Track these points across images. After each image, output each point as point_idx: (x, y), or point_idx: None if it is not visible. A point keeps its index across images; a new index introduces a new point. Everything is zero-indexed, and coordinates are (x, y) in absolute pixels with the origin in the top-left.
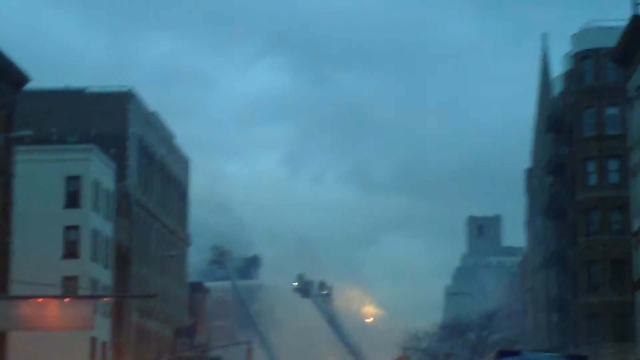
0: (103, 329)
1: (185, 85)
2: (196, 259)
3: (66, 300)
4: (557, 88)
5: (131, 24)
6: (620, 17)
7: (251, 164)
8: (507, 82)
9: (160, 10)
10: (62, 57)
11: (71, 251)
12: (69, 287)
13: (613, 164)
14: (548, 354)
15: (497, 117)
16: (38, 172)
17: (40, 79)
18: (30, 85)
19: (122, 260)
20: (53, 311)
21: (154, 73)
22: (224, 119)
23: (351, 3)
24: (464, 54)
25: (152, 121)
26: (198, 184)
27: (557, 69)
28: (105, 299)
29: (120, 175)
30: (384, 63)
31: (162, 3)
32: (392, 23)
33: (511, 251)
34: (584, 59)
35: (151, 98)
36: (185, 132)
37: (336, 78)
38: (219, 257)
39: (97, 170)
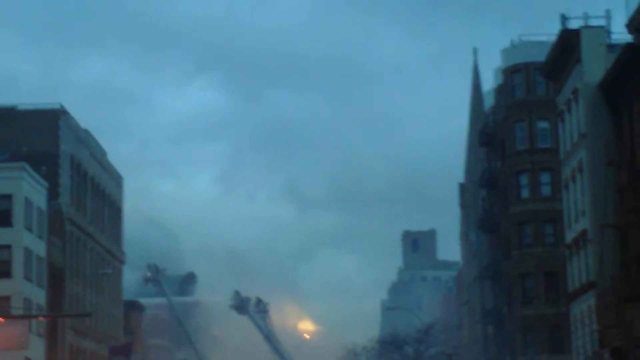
0: (37, 349)
1: (120, 105)
2: (131, 277)
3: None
4: (488, 102)
5: (64, 44)
6: (549, 32)
7: (186, 183)
8: (440, 99)
9: (94, 31)
10: None
11: (3, 270)
12: (2, 307)
13: (545, 177)
14: None
15: (431, 133)
16: None
17: None
18: None
19: (56, 279)
20: None
21: (88, 93)
22: (158, 139)
23: (283, 22)
24: (396, 72)
25: (84, 139)
26: (132, 203)
27: (489, 83)
28: (39, 319)
29: (53, 194)
30: (317, 81)
31: (96, 24)
32: (324, 41)
33: (447, 265)
34: (514, 73)
35: (86, 118)
36: (120, 152)
37: (269, 96)
38: (154, 275)
39: (29, 188)
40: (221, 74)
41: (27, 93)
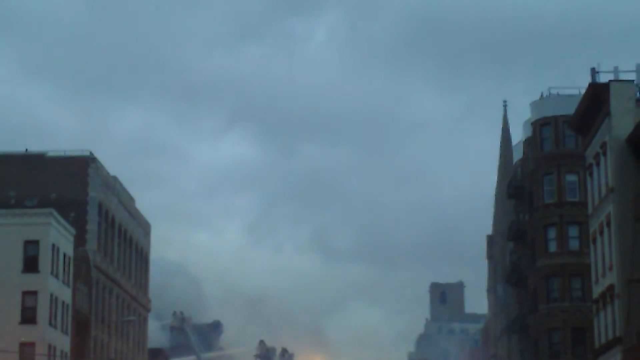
0: None
1: (155, 157)
2: (156, 323)
3: None
4: (517, 155)
5: (102, 98)
6: (579, 85)
7: (216, 233)
8: (469, 153)
9: (132, 85)
10: (34, 130)
11: (29, 317)
12: (26, 354)
13: (573, 231)
14: None
15: (459, 186)
16: None
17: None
18: None
19: (81, 326)
20: None
21: (125, 145)
22: (192, 190)
23: (317, 77)
24: (425, 127)
25: (112, 186)
26: (160, 252)
27: (518, 136)
28: None
29: (80, 240)
30: (348, 135)
31: (133, 78)
32: (355, 97)
33: (474, 318)
34: (543, 126)
35: (121, 169)
36: (153, 202)
37: (301, 149)
38: (180, 323)
39: (56, 234)
40: (254, 127)
41: (65, 145)
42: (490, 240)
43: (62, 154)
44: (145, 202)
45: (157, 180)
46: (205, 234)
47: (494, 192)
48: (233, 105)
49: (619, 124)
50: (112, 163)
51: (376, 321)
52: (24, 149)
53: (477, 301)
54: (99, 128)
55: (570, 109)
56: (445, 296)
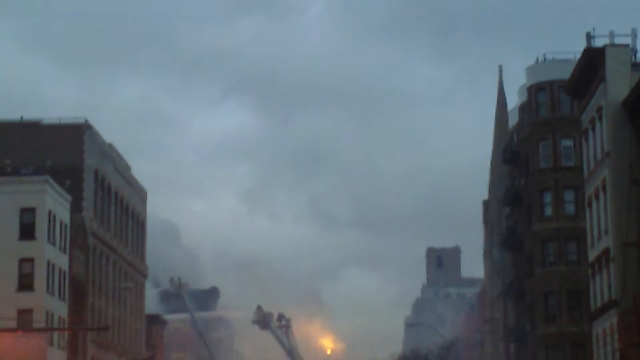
0: None
1: (152, 127)
2: (152, 290)
3: (18, 332)
4: (512, 120)
5: (100, 69)
6: (574, 50)
7: (213, 202)
8: (464, 120)
9: (129, 57)
10: (31, 100)
11: (26, 283)
12: (24, 320)
13: (569, 195)
14: None
15: (455, 152)
16: None
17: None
18: None
19: (78, 293)
20: (6, 344)
21: (123, 116)
22: (188, 159)
23: (311, 47)
24: (423, 94)
25: (108, 153)
26: (157, 220)
27: (513, 102)
28: (57, 332)
29: (76, 207)
30: (344, 104)
31: (130, 49)
32: (351, 66)
33: (470, 282)
34: (539, 91)
35: (119, 139)
36: (151, 172)
37: (297, 119)
38: (177, 289)
39: (53, 202)
40: (251, 97)
41: (62, 115)
42: (486, 205)
43: (57, 121)
44: (142, 172)
45: (154, 150)
46: (202, 202)
47: (490, 158)
48: (230, 75)
49: (615, 89)
50: (109, 133)
51: (373, 287)
52: (19, 117)
53: (473, 266)
54: (97, 98)
55: (565, 73)
56: (441, 261)
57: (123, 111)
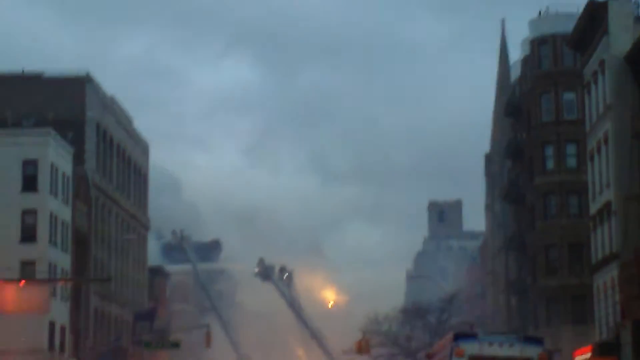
0: (62, 313)
1: (155, 81)
2: (155, 243)
3: (21, 283)
4: (515, 74)
5: (102, 23)
6: (577, 3)
7: (215, 155)
8: (467, 74)
9: (131, 9)
10: (35, 53)
11: (29, 235)
12: (27, 271)
13: (571, 149)
14: (504, 336)
15: (457, 106)
16: None
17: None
18: None
19: (80, 245)
20: (8, 294)
21: (125, 69)
22: (191, 113)
23: (316, 2)
24: (426, 48)
25: (110, 106)
26: (160, 172)
27: (516, 55)
28: (60, 283)
29: (78, 160)
30: (345, 58)
31: (133, 3)
32: (353, 20)
33: (472, 235)
34: (541, 45)
35: (120, 93)
36: (153, 125)
37: (298, 73)
38: (179, 241)
39: (55, 154)
40: (253, 51)
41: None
42: (488, 158)
43: (59, 74)
44: (144, 125)
45: (156, 103)
46: (204, 156)
47: (492, 111)
48: (233, 29)
49: (617, 42)
50: (111, 86)
51: (375, 240)
52: (21, 70)
53: (475, 219)
54: (99, 51)
55: (568, 27)
56: (443, 214)
57: (125, 64)
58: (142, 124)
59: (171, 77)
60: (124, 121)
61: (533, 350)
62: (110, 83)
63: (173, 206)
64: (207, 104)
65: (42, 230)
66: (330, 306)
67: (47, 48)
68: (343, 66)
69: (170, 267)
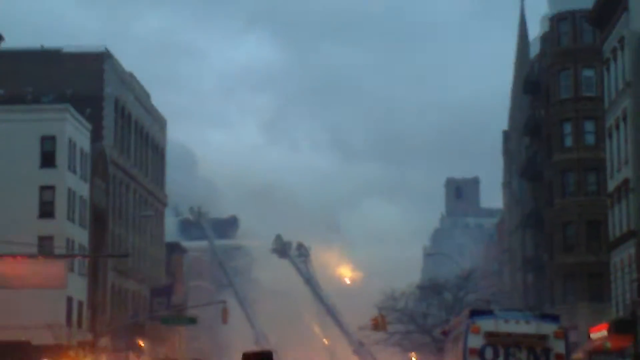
0: (79, 289)
1: (174, 57)
2: (172, 219)
3: (39, 258)
4: (534, 51)
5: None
6: None
7: (233, 132)
8: (485, 51)
9: None
10: (54, 29)
11: (47, 211)
12: (45, 247)
13: (589, 126)
14: (520, 313)
15: (475, 82)
16: (13, 132)
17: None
18: (6, 45)
19: (98, 221)
20: (26, 269)
21: (143, 46)
22: (209, 90)
23: None
24: (444, 24)
25: (128, 82)
26: (178, 148)
27: (535, 32)
28: (78, 258)
29: (96, 136)
30: (363, 35)
31: None
32: None
33: (489, 212)
34: (561, 21)
35: (139, 69)
36: (172, 101)
37: (317, 49)
38: (197, 217)
39: (73, 130)
40: (273, 28)
41: (83, 43)
42: (506, 135)
43: (77, 49)
44: (162, 101)
45: (175, 80)
46: (222, 132)
47: (510, 88)
48: (252, 6)
49: (637, 18)
50: (129, 62)
51: (392, 217)
52: (40, 46)
53: (493, 196)
54: (118, 27)
55: (588, 3)
56: (460, 191)
57: (144, 40)
58: (160, 100)
59: (190, 54)
60: (142, 97)
61: (549, 328)
62: (129, 60)
63: (190, 183)
64: (225, 81)
65: (60, 206)
66: (347, 283)
67: (66, 26)
68: (363, 43)
69: (188, 244)
